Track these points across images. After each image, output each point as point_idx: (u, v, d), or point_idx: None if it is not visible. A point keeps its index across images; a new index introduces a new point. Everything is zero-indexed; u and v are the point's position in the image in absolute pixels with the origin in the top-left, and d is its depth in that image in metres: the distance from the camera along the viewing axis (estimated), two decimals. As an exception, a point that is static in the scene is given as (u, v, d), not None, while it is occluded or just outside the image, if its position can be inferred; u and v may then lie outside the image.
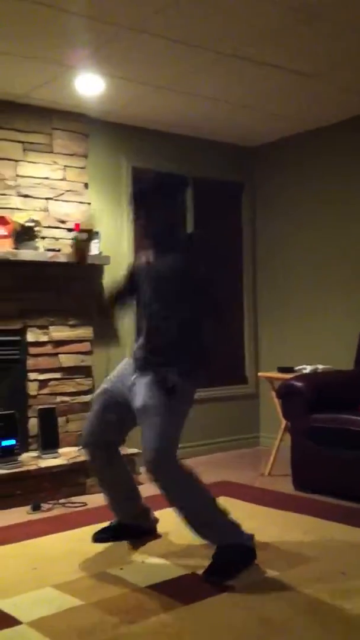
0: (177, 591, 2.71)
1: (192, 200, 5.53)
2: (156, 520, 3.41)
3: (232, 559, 2.91)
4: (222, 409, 5.62)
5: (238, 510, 3.80)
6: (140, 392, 2.96)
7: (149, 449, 2.88)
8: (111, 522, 3.40)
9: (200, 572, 2.88)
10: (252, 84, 4.36)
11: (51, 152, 4.73)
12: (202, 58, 3.91)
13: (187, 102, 4.66)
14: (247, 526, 3.40)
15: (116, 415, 3.12)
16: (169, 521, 3.50)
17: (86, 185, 4.88)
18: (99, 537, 3.33)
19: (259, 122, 5.17)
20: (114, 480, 3.27)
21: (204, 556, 3.03)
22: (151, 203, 3.03)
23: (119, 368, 3.23)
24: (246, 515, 3.70)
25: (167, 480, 2.92)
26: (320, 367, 4.82)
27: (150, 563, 3.04)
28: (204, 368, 3.06)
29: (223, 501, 3.99)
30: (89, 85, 4.29)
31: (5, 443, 4.11)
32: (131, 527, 3.34)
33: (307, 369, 4.81)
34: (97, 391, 3.28)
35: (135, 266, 3.25)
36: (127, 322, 5.08)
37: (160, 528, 3.41)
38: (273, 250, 5.78)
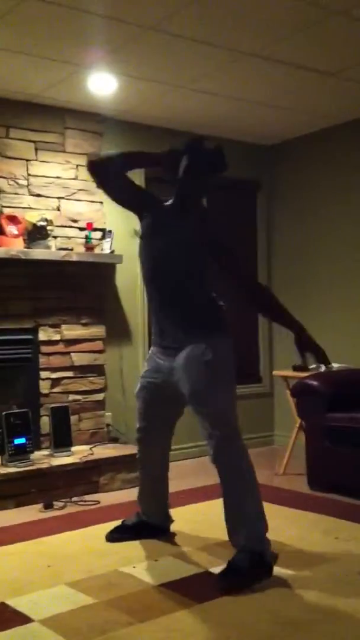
0: (190, 590, 2.69)
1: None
2: (171, 520, 3.38)
3: (252, 567, 2.76)
4: (237, 408, 5.57)
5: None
6: (184, 377, 2.89)
7: (215, 430, 2.85)
8: (124, 521, 3.38)
9: (212, 570, 2.86)
10: (271, 82, 4.34)
11: (63, 151, 4.73)
12: (219, 57, 3.90)
13: (202, 100, 4.64)
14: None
15: (161, 407, 3.12)
16: (182, 520, 3.49)
17: (99, 185, 4.86)
18: (114, 537, 3.30)
19: (277, 120, 5.13)
20: (156, 476, 3.27)
21: (216, 556, 3.02)
22: (194, 163, 2.92)
23: (149, 362, 3.16)
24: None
25: (234, 459, 2.88)
26: (335, 365, 4.77)
27: (163, 562, 3.02)
28: (227, 326, 3.02)
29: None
30: (103, 85, 4.29)
31: (17, 441, 4.11)
32: (151, 526, 3.31)
33: (322, 367, 4.76)
34: (137, 389, 3.22)
35: (153, 205, 3.08)
36: (139, 320, 5.07)
37: (173, 526, 3.39)
38: (289, 249, 5.75)
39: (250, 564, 2.76)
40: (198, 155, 2.94)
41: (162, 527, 3.34)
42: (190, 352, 2.89)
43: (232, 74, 4.19)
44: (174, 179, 2.97)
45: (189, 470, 4.89)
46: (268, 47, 3.79)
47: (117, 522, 3.40)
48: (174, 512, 3.40)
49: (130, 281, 5.01)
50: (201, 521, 3.58)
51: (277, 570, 2.84)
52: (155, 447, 3.25)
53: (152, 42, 3.68)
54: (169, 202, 3.06)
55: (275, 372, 5.27)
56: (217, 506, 3.84)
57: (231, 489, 2.89)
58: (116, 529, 3.35)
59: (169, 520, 3.37)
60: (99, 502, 4.02)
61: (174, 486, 3.80)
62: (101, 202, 4.86)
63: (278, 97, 4.63)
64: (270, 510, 3.75)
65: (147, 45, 3.73)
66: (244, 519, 2.87)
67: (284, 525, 3.47)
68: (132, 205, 3.20)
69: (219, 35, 3.63)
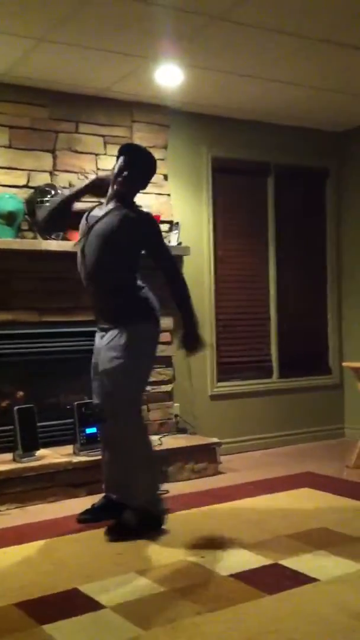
0: (259, 581, 2.69)
1: (272, 187, 5.47)
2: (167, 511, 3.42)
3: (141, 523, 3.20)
4: (305, 400, 5.54)
5: (322, 502, 3.76)
6: (101, 357, 3.27)
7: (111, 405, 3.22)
8: (94, 504, 3.52)
9: (282, 562, 2.85)
10: (340, 68, 4.26)
11: (131, 144, 4.77)
12: (287, 44, 3.86)
13: (270, 89, 4.60)
14: (331, 518, 3.36)
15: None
16: (250, 511, 3.49)
17: (165, 177, 4.89)
18: (82, 519, 3.45)
19: (348, 105, 5.02)
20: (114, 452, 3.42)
21: (285, 547, 3.01)
22: (133, 162, 3.27)
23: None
24: (330, 507, 3.64)
25: (125, 433, 3.24)
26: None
27: (231, 552, 3.03)
28: (148, 313, 3.34)
29: (307, 493, 3.98)
30: (169, 77, 4.30)
31: (89, 431, 4.19)
32: (115, 505, 3.41)
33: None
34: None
35: (88, 209, 3.40)
36: (206, 311, 5.07)
37: (239, 519, 3.41)
38: (359, 239, 5.63)
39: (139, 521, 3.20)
40: (132, 156, 3.30)
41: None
42: (108, 335, 3.26)
43: (301, 61, 4.13)
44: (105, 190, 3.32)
45: (256, 461, 4.88)
46: (337, 33, 3.72)
47: (187, 511, 3.44)
48: (240, 503, 3.42)
49: (197, 272, 5.02)
50: (268, 513, 3.58)
51: (347, 562, 2.81)
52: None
53: (219, 31, 3.67)
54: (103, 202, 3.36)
55: (345, 364, 5.19)
56: (284, 498, 3.85)
57: (121, 458, 3.29)
58: (85, 511, 3.50)
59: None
60: (167, 491, 4.05)
61: (241, 477, 3.82)
62: (168, 195, 4.88)
63: (349, 83, 4.53)
64: (339, 503, 3.72)
65: (214, 35, 3.72)
66: (134, 486, 3.25)
67: (353, 518, 3.42)
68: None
69: (288, 22, 3.59)
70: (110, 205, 3.30)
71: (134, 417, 3.29)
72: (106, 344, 3.27)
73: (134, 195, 3.37)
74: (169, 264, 3.33)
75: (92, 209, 3.40)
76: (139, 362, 3.26)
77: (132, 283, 3.33)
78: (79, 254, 3.38)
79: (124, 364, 3.20)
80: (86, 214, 3.39)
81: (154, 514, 3.29)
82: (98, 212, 3.33)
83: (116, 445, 3.34)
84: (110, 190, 3.30)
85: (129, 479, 3.31)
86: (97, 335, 3.43)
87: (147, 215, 3.36)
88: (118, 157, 3.33)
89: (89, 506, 3.53)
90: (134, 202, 3.37)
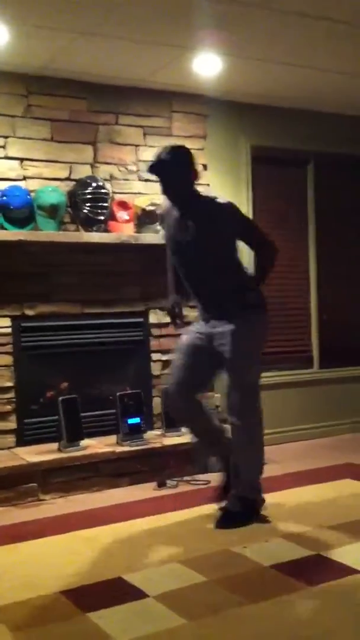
0: (301, 572, 2.70)
1: (312, 176, 5.41)
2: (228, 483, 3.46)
3: (246, 511, 3.28)
4: (346, 390, 5.49)
5: (363, 493, 3.74)
6: (224, 346, 3.24)
7: (239, 392, 3.27)
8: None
9: (323, 554, 2.85)
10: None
11: (170, 135, 4.76)
12: (325, 30, 3.81)
13: (308, 76, 4.55)
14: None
15: (200, 368, 3.38)
16: (290, 502, 3.50)
17: (205, 167, 4.88)
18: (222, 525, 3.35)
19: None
20: (204, 428, 3.51)
21: (327, 538, 3.02)
22: (166, 169, 3.25)
23: (191, 329, 3.46)
24: (372, 499, 3.62)
25: (251, 419, 3.31)
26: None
27: (273, 543, 3.04)
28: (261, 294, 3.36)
29: (347, 484, 3.96)
30: (208, 66, 4.29)
31: (131, 421, 4.24)
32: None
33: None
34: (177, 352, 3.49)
35: (169, 236, 3.43)
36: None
37: (281, 509, 3.43)
38: None
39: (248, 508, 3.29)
40: (160, 171, 3.28)
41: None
42: (229, 325, 3.24)
43: (339, 47, 4.07)
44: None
45: (296, 452, 4.87)
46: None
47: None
48: (281, 494, 3.42)
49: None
50: (310, 504, 3.58)
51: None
52: (191, 401, 3.46)
53: (258, 19, 3.64)
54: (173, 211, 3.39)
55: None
56: (325, 490, 3.84)
57: (240, 443, 3.32)
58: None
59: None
60: (209, 481, 4.08)
61: (282, 469, 3.83)
62: (208, 185, 4.87)
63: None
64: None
65: (253, 23, 3.69)
66: (243, 470, 3.30)
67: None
68: None
69: (326, 8, 3.54)
70: (183, 208, 3.31)
71: (259, 400, 3.35)
72: (231, 329, 3.25)
73: (193, 187, 3.33)
74: (259, 233, 3.39)
75: (167, 212, 3.45)
76: (260, 344, 3.37)
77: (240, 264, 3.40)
78: (175, 257, 3.42)
79: (252, 346, 3.30)
80: (164, 219, 3.50)
81: (257, 499, 3.34)
82: (175, 214, 3.35)
83: (240, 428, 3.33)
84: (172, 199, 3.34)
85: (242, 469, 3.33)
86: (206, 324, 3.37)
87: (216, 199, 3.35)
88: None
89: (131, 495, 3.57)
90: (198, 192, 3.36)
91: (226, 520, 3.27)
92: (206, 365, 3.38)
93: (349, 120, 5.45)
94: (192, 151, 3.38)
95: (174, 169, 3.24)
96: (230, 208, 3.28)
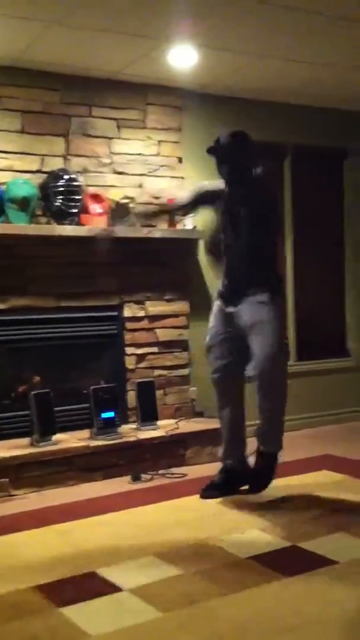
0: (277, 563, 2.68)
1: (289, 169, 5.41)
2: (248, 466, 3.61)
3: (274, 467, 3.50)
4: (324, 382, 5.51)
5: (341, 484, 3.75)
6: (246, 312, 3.43)
7: (267, 351, 3.37)
8: (213, 480, 3.59)
9: (300, 545, 2.85)
10: (358, 45, 4.18)
11: (145, 127, 4.73)
12: (303, 22, 3.80)
13: (286, 68, 4.54)
14: (349, 500, 3.35)
15: (236, 350, 3.53)
16: (269, 494, 3.49)
17: (180, 160, 4.85)
18: (207, 494, 3.55)
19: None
20: (235, 418, 3.61)
21: (304, 529, 3.01)
22: (226, 152, 3.48)
23: (215, 315, 3.65)
24: (349, 489, 3.63)
25: (280, 379, 3.45)
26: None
27: (249, 535, 3.02)
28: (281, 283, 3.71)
29: (325, 475, 3.96)
30: (183, 58, 4.26)
31: (105, 415, 4.20)
32: (237, 475, 3.57)
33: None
34: (208, 340, 3.67)
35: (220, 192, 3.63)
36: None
37: (258, 501, 3.43)
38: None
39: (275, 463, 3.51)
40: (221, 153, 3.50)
41: (247, 474, 3.58)
42: (253, 297, 3.44)
43: (317, 40, 4.07)
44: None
45: (299, 441, 4.87)
46: (355, 9, 3.64)
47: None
48: (278, 482, 3.54)
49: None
50: (287, 495, 3.56)
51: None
52: (232, 387, 3.60)
53: (234, 10, 3.61)
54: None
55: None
56: (303, 481, 3.84)
57: (271, 405, 3.47)
58: (209, 486, 3.58)
59: (245, 464, 3.61)
60: (186, 474, 4.06)
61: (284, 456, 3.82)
62: (182, 178, 4.85)
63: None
64: (358, 486, 3.70)
65: (229, 14, 3.66)
66: (274, 425, 3.49)
67: None
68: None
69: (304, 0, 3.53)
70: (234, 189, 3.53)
71: (287, 365, 3.53)
72: (257, 302, 3.43)
73: (248, 170, 3.51)
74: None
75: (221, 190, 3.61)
76: (282, 318, 3.63)
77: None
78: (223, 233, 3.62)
79: (278, 312, 3.48)
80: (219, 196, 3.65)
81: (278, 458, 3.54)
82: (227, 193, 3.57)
83: (269, 393, 3.46)
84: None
85: (273, 424, 3.49)
86: (229, 306, 3.55)
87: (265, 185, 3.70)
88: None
89: (106, 489, 3.54)
90: (252, 175, 3.52)
91: (259, 483, 3.50)
92: (239, 341, 3.51)
93: (326, 113, 5.45)
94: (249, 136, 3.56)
95: (232, 152, 3.45)
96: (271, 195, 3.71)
